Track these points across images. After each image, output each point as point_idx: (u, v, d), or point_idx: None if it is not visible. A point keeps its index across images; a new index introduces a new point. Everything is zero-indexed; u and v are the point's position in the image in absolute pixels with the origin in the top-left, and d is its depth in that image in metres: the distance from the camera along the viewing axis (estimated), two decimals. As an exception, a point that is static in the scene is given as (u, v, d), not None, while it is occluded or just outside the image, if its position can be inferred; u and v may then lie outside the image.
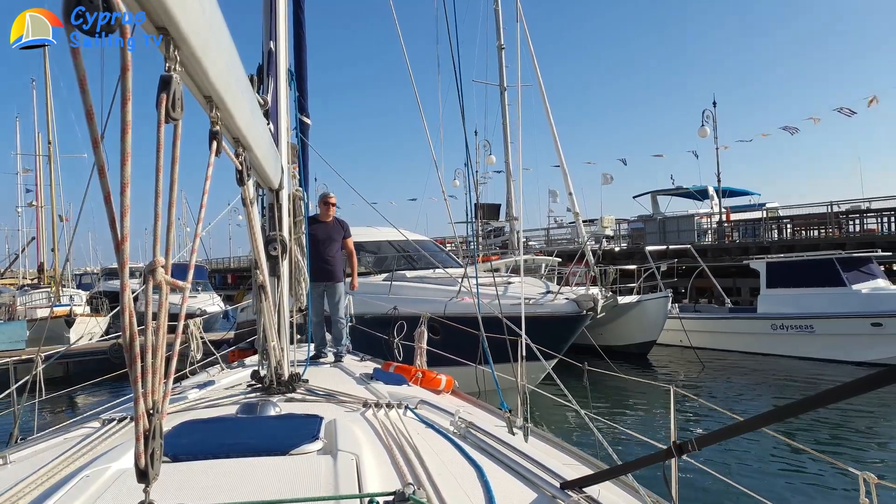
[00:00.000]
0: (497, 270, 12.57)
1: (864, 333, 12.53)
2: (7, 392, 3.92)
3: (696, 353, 13.35)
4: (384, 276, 11.12)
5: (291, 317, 3.87)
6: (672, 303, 15.10)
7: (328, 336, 5.72)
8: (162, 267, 1.18)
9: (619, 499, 1.91)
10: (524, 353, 3.82)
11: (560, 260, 16.35)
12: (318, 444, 2.00)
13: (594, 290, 9.77)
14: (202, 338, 5.80)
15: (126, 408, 2.99)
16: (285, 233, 3.53)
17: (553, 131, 13.54)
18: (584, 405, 3.61)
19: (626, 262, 16.47)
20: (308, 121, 5.12)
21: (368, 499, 1.37)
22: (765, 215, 22.63)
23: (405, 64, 6.22)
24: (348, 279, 5.92)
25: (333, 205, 5.82)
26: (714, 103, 24.28)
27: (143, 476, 1.16)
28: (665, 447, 1.62)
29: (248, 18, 4.89)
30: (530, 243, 27.37)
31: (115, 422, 2.50)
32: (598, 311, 8.86)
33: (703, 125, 23.48)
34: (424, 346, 6.00)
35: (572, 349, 8.44)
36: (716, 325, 14.98)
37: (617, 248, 23.41)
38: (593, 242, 18.45)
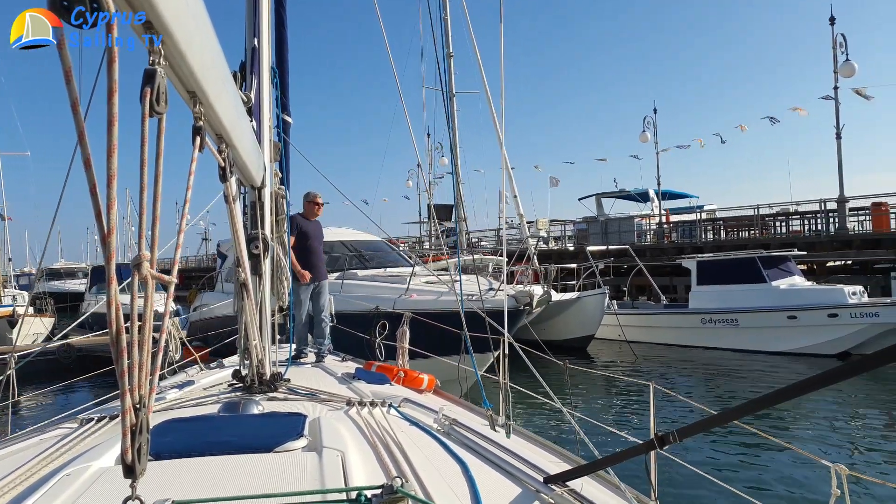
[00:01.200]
0: (446, 269, 13.30)
1: (782, 326, 13.69)
2: None
3: (630, 347, 14.19)
4: (336, 274, 11.55)
5: (273, 316, 3.85)
6: (613, 300, 16.27)
7: (309, 336, 5.71)
8: (147, 261, 1.17)
9: (600, 492, 1.94)
10: (506, 350, 3.84)
11: (506, 259, 16.93)
12: (302, 442, 2.00)
13: (531, 287, 10.35)
14: (181, 337, 5.74)
15: (104, 408, 2.95)
16: (267, 231, 3.51)
17: (499, 138, 13.80)
18: (565, 403, 3.64)
19: (571, 262, 17.52)
20: (290, 119, 5.09)
21: (356, 492, 1.38)
22: (699, 217, 24.08)
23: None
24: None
25: (320, 205, 5.89)
26: (655, 110, 25.75)
27: (130, 471, 1.15)
28: (645, 441, 1.65)
29: (229, 16, 4.86)
30: (482, 243, 28.24)
31: (93, 421, 2.47)
32: (534, 306, 9.35)
33: (644, 131, 25.12)
34: (407, 345, 6.00)
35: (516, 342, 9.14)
36: (650, 320, 16.06)
37: (556, 247, 24.78)
38: (539, 242, 19.39)
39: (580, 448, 3.23)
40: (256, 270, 3.40)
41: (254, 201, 3.45)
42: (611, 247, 20.35)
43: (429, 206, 26.23)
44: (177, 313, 18.24)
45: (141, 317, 1.14)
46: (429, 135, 28.30)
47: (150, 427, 2.11)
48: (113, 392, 3.24)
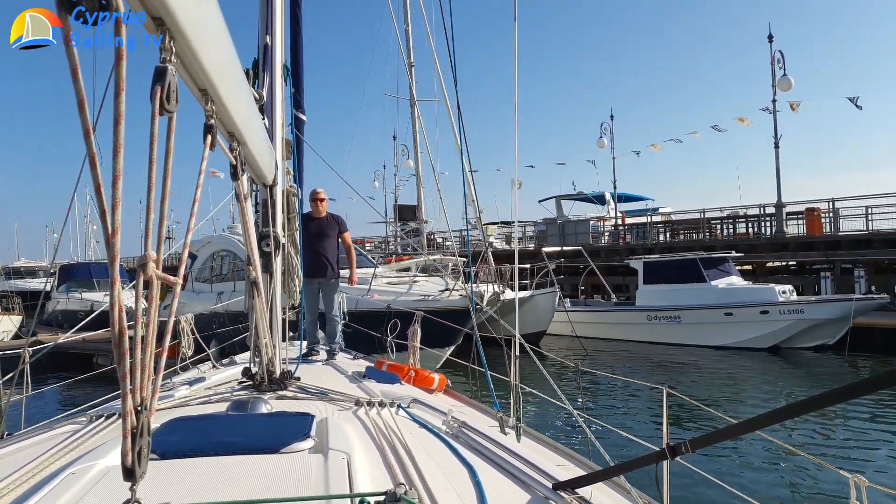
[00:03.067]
0: (408, 269, 14.03)
1: (719, 322, 15.03)
2: None
3: (580, 342, 15.21)
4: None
5: (284, 314, 3.85)
6: (567, 298, 17.53)
7: (321, 334, 5.71)
8: (153, 262, 1.16)
9: (611, 500, 1.91)
10: (517, 353, 3.81)
11: (465, 260, 17.88)
12: (309, 443, 1.98)
13: (483, 287, 11.16)
14: (193, 334, 5.77)
15: (114, 405, 2.96)
16: (279, 229, 3.51)
17: (458, 146, 15.26)
18: (575, 406, 3.60)
19: (531, 262, 18.34)
20: (303, 117, 5.08)
21: (359, 499, 1.36)
22: (649, 219, 25.57)
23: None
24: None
25: (322, 200, 5.76)
26: (612, 116, 27.64)
27: (130, 474, 1.14)
28: (657, 448, 1.62)
29: (243, 13, 4.86)
30: (447, 244, 29.23)
31: (102, 418, 2.47)
32: (485, 304, 9.91)
33: (601, 136, 26.64)
34: (418, 344, 5.99)
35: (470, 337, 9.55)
36: (600, 317, 17.20)
37: (519, 247, 25.13)
38: (501, 242, 20.67)
39: (591, 451, 3.19)
40: (267, 268, 3.40)
41: (265, 199, 3.45)
42: (565, 248, 21.61)
43: (395, 206, 27.78)
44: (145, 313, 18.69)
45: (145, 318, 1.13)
46: (395, 137, 29.47)
47: (158, 426, 2.11)
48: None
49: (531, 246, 26.05)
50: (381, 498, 1.36)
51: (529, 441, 3.23)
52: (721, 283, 15.61)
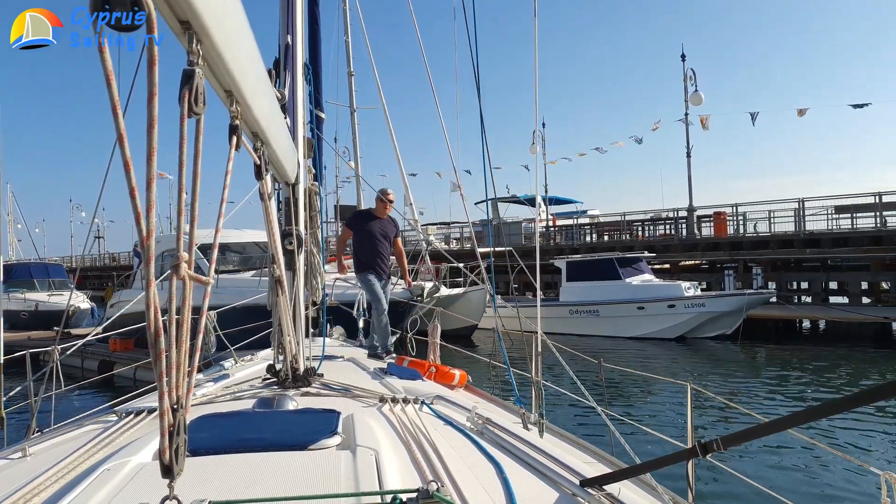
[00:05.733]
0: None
1: (633, 315, 17.00)
2: (24, 384, 3.96)
3: (508, 335, 15.76)
4: (252, 273, 13.14)
5: (306, 310, 3.88)
6: (499, 295, 17.73)
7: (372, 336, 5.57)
8: (185, 262, 1.18)
9: (639, 497, 1.90)
10: (538, 349, 3.80)
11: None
12: (336, 440, 2.00)
13: (424, 283, 12.46)
14: (216, 331, 5.84)
15: (142, 401, 3.01)
16: (301, 227, 3.53)
17: (397, 154, 16.94)
18: (599, 401, 3.58)
19: (467, 261, 19.97)
20: (323, 115, 5.12)
21: (392, 496, 1.37)
22: (576, 222, 28.00)
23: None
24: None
25: (392, 202, 5.71)
26: (543, 124, 29.26)
27: (168, 471, 1.16)
28: (683, 445, 1.60)
29: (264, 13, 4.90)
30: None
31: (132, 415, 2.52)
32: (425, 297, 11.43)
33: (533, 143, 27.47)
34: (438, 340, 6.00)
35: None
36: (526, 312, 17.80)
37: (456, 248, 27.85)
38: (429, 246, 21.49)
39: (615, 447, 3.17)
40: (291, 266, 3.43)
41: (287, 198, 3.47)
42: (497, 248, 22.70)
43: (336, 206, 28.51)
44: (92, 312, 19.18)
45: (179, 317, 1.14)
46: (336, 139, 30.44)
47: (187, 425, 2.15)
48: (150, 385, 3.30)
49: (468, 246, 27.64)
50: (414, 495, 1.36)
51: (553, 437, 3.22)
52: (635, 280, 17.57)
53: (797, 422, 1.32)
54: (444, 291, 15.27)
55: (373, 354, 5.07)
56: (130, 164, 0.99)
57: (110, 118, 0.98)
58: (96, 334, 7.02)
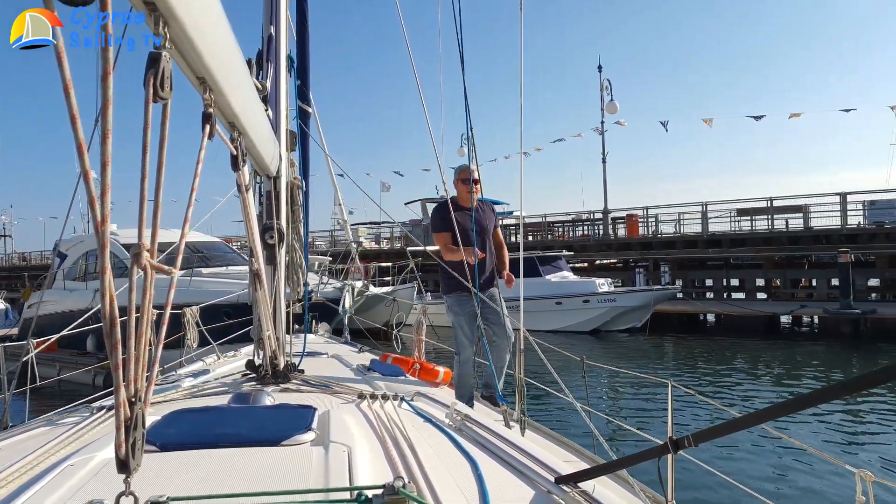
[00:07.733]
0: None
1: (551, 310, 18.05)
2: None
3: (433, 330, 17.03)
4: (182, 272, 13.02)
5: (288, 306, 3.84)
6: (429, 293, 19.11)
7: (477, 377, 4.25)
8: (147, 251, 1.14)
9: (613, 494, 1.89)
10: (521, 346, 3.79)
11: (331, 259, 20.54)
12: (310, 435, 1.97)
13: (354, 282, 12.85)
14: (198, 326, 5.79)
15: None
16: (283, 221, 3.49)
17: (326, 156, 17.33)
18: (580, 399, 3.58)
19: (397, 260, 20.82)
20: (310, 109, 5.06)
21: (357, 492, 1.34)
22: (500, 222, 28.75)
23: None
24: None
25: (477, 181, 4.19)
26: (471, 127, 30.49)
27: (124, 466, 1.13)
28: (661, 442, 1.60)
29: (249, 4, 4.84)
30: (317, 242, 32.07)
31: (104, 410, 2.47)
32: (354, 295, 11.59)
33: (461, 146, 28.43)
34: (423, 337, 5.98)
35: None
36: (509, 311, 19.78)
37: (386, 247, 29.00)
38: (360, 247, 22.44)
39: (595, 444, 3.16)
40: (271, 261, 3.39)
41: (269, 191, 3.44)
42: (428, 247, 23.32)
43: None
44: (6, 313, 19.19)
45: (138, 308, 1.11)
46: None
47: (159, 418, 2.11)
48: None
49: (398, 245, 28.56)
50: (380, 491, 1.34)
51: (534, 434, 3.21)
52: (554, 277, 18.83)
53: (770, 417, 1.32)
54: (373, 290, 16.18)
55: (486, 396, 4.14)
56: (85, 147, 0.96)
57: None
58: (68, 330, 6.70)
